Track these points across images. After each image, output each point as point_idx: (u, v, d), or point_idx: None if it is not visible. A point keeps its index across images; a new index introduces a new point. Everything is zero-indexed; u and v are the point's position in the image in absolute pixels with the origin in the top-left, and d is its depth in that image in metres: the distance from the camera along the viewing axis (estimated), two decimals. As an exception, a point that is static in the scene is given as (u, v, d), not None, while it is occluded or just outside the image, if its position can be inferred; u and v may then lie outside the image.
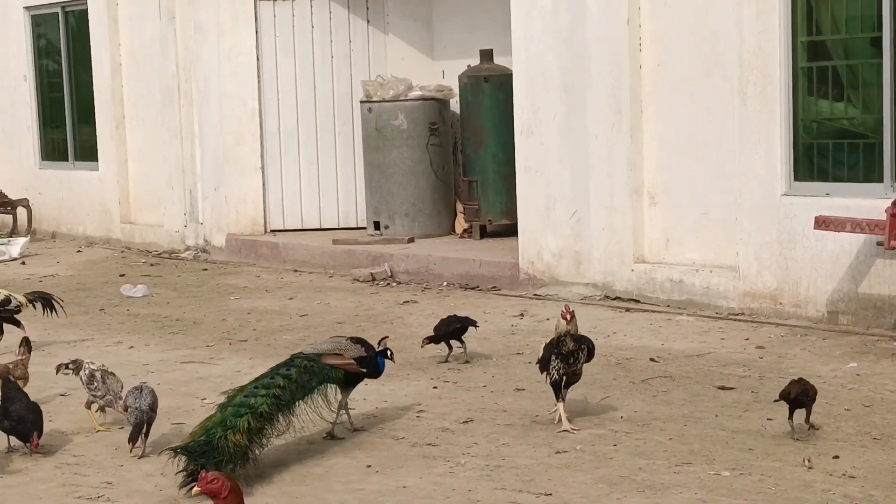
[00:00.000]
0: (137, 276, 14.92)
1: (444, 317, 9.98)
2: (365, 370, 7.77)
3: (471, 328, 9.82)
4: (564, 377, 7.59)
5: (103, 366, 8.16)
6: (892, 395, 8.24)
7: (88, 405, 8.09)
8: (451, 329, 9.69)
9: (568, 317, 7.57)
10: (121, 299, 13.42)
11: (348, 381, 7.73)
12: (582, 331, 7.73)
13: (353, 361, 7.67)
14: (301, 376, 7.36)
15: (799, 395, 7.37)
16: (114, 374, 8.11)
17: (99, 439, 7.89)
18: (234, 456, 6.78)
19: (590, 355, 7.68)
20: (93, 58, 18.48)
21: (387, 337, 8.22)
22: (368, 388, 8.85)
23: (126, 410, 7.49)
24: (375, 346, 7.94)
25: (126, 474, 7.15)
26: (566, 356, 7.55)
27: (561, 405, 7.64)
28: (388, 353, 7.98)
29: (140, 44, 17.67)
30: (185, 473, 6.69)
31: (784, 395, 7.45)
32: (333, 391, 7.65)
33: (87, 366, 8.06)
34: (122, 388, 7.97)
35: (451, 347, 9.69)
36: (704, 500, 6.36)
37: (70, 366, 8.15)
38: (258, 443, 6.99)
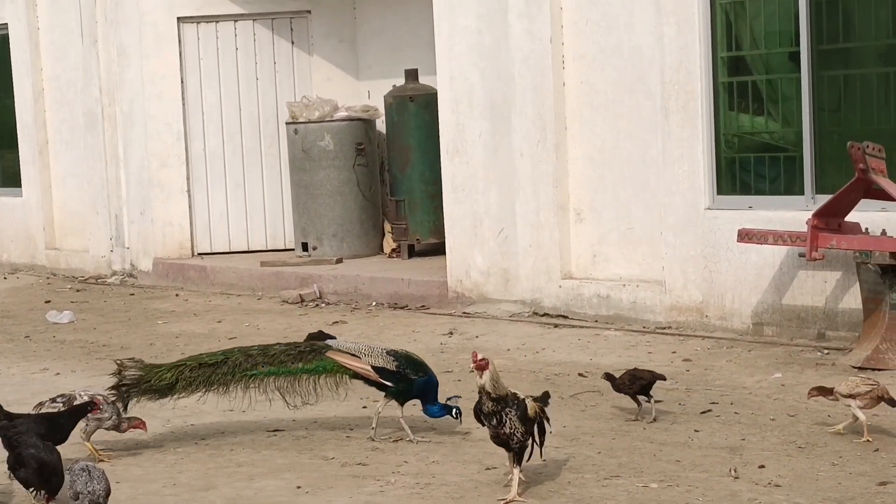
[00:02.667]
0: (63, 302, 14.79)
1: (631, 370, 8.42)
2: (387, 382, 7.76)
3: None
4: (498, 440, 6.72)
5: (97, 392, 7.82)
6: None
7: (88, 437, 7.72)
8: (639, 385, 8.21)
9: (472, 367, 6.68)
10: (46, 326, 13.29)
11: (377, 387, 7.90)
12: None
13: (364, 367, 7.66)
14: (281, 355, 7.83)
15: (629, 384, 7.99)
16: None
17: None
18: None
19: (525, 420, 6.62)
20: (14, 83, 18.30)
21: (459, 397, 7.80)
22: (297, 409, 8.83)
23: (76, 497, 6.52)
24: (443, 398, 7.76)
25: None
26: (487, 417, 6.69)
27: (515, 470, 6.68)
28: (454, 411, 7.66)
29: (62, 68, 17.53)
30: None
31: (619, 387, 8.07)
32: (329, 384, 7.89)
33: (81, 395, 7.71)
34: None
35: (639, 403, 8.25)
36: (633, 512, 6.41)
37: (58, 399, 7.76)
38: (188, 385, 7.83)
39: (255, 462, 7.62)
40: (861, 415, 7.44)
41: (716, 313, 10.77)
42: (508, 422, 6.61)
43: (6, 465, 6.81)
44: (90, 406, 7.53)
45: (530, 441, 6.68)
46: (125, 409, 7.84)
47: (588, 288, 11.75)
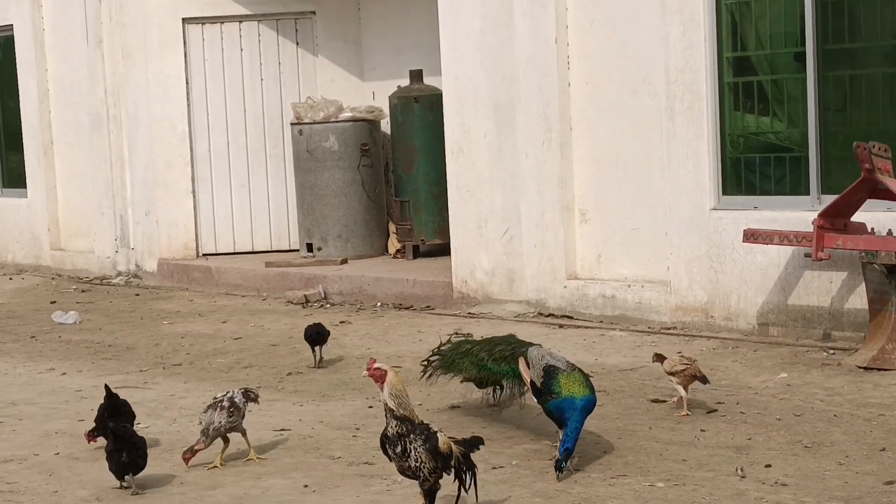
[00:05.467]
0: (69, 303, 14.80)
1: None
2: (537, 399, 7.24)
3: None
4: (405, 474, 6.08)
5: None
6: (822, 404, 8.35)
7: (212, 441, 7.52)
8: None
9: (365, 374, 6.02)
10: (52, 326, 13.31)
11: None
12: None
13: (527, 379, 7.29)
14: (496, 351, 7.84)
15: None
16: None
17: (33, 466, 7.82)
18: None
19: (436, 454, 5.90)
20: (20, 84, 18.33)
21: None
22: (304, 408, 8.88)
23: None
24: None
25: (61, 500, 7.10)
26: (392, 443, 5.98)
27: None
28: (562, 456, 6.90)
29: (67, 69, 17.55)
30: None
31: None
32: (515, 387, 7.79)
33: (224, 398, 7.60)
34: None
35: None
36: (640, 511, 6.42)
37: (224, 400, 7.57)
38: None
39: (262, 461, 7.63)
40: (682, 391, 8.07)
41: (721, 313, 10.77)
42: (413, 451, 5.90)
43: None
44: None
45: (442, 480, 6.03)
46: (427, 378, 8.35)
47: (593, 288, 11.75)
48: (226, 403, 7.52)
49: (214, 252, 16.30)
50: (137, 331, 12.79)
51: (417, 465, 5.92)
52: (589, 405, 7.03)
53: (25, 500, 7.12)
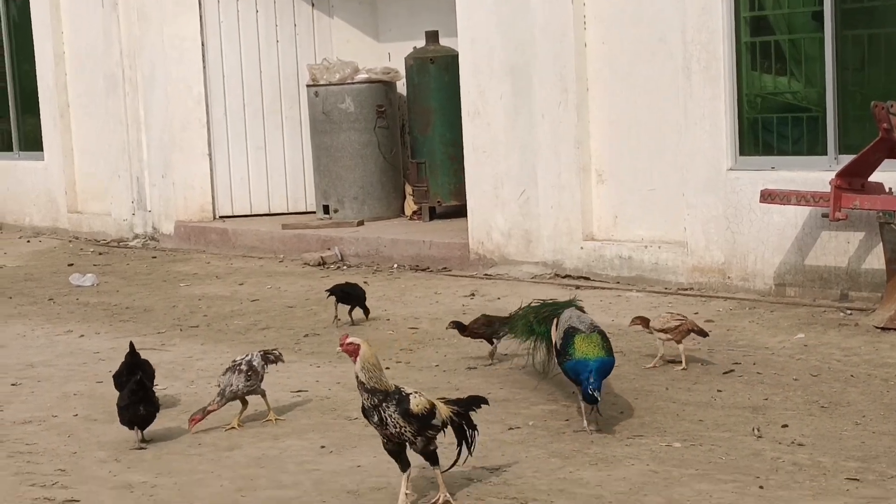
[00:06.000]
0: (86, 266, 14.84)
1: (484, 315, 9.14)
2: (556, 357, 7.24)
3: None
4: (392, 444, 6.01)
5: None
6: (839, 364, 8.34)
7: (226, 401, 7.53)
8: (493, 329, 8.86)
9: (339, 350, 6.05)
10: (70, 289, 13.35)
11: None
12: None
13: (554, 339, 7.26)
14: (543, 316, 7.85)
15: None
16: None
17: (52, 427, 7.86)
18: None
19: (409, 417, 5.83)
20: (35, 48, 18.33)
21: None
22: (321, 370, 8.90)
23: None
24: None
25: (79, 461, 7.13)
26: (368, 414, 5.98)
27: (436, 472, 6.06)
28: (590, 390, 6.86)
29: (83, 32, 17.53)
30: None
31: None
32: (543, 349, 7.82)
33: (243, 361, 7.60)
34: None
35: (493, 343, 8.87)
36: (656, 471, 6.42)
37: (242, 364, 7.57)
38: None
39: (280, 422, 7.65)
40: (662, 349, 8.34)
41: (738, 274, 10.76)
42: (389, 419, 5.85)
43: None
44: None
45: (436, 439, 5.99)
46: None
47: (610, 249, 11.74)
48: (244, 367, 7.54)
49: (231, 214, 16.32)
50: (155, 293, 12.82)
51: (398, 430, 5.91)
52: (603, 367, 6.96)
53: (44, 461, 7.16)
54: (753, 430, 6.98)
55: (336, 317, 10.48)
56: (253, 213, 16.34)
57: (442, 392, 8.12)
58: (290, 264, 14.10)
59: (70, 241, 17.31)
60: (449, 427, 6.05)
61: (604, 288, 11.47)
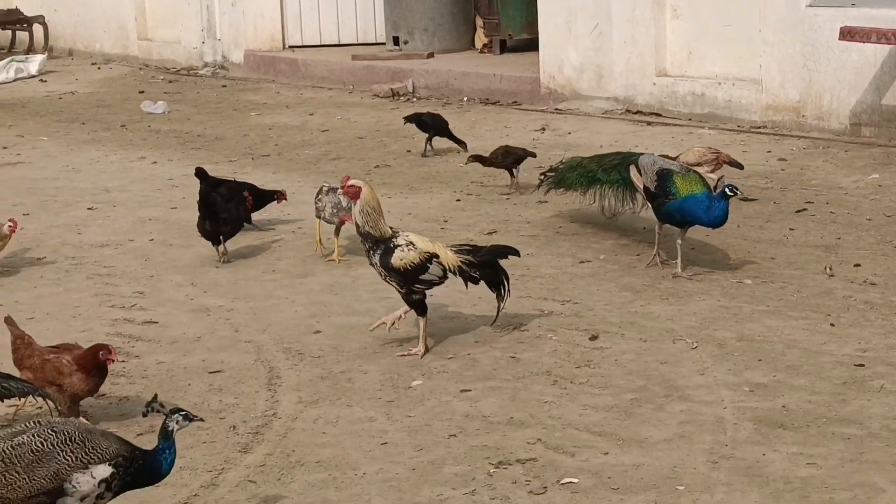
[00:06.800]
0: (156, 93, 14.89)
1: (503, 146, 9.35)
2: (650, 204, 7.16)
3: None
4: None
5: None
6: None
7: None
8: (512, 159, 9.11)
9: (340, 192, 6.21)
10: (141, 115, 13.42)
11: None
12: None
13: (639, 185, 7.19)
14: (605, 162, 7.72)
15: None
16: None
17: (129, 251, 8.00)
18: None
19: (389, 269, 5.85)
20: None
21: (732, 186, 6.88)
22: (392, 200, 8.94)
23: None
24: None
25: (156, 284, 7.27)
26: (368, 258, 6.03)
27: (420, 322, 6.04)
28: (728, 189, 6.72)
29: None
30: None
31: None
32: (627, 195, 7.57)
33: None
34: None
35: (513, 175, 9.12)
36: (727, 306, 6.46)
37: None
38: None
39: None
40: (713, 176, 7.86)
41: (813, 113, 10.62)
42: (374, 267, 5.91)
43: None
44: (277, 195, 8.02)
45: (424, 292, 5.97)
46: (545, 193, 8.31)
47: (683, 85, 11.62)
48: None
49: (300, 44, 16.25)
50: (225, 121, 12.87)
51: (383, 278, 5.94)
52: (710, 201, 6.82)
53: (123, 284, 7.30)
54: (825, 268, 6.97)
55: (427, 146, 10.42)
56: (322, 44, 16.25)
57: (512, 224, 8.18)
58: (359, 95, 14.08)
59: (140, 69, 17.35)
60: (458, 275, 5.97)
61: (675, 125, 11.38)
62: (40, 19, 18.93)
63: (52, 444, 3.91)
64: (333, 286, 7.11)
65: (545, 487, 4.55)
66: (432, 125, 10.44)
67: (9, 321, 5.20)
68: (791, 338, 5.97)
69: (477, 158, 9.08)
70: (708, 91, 11.41)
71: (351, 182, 5.98)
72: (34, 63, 17.01)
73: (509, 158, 9.08)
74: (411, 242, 5.92)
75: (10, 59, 17.15)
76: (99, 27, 18.73)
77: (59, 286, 7.28)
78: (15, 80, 16.46)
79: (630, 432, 4.99)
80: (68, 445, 3.92)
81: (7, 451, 3.90)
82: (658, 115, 11.71)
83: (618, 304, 6.55)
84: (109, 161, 11.00)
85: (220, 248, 7.59)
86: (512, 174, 9.10)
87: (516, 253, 6.15)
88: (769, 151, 10.08)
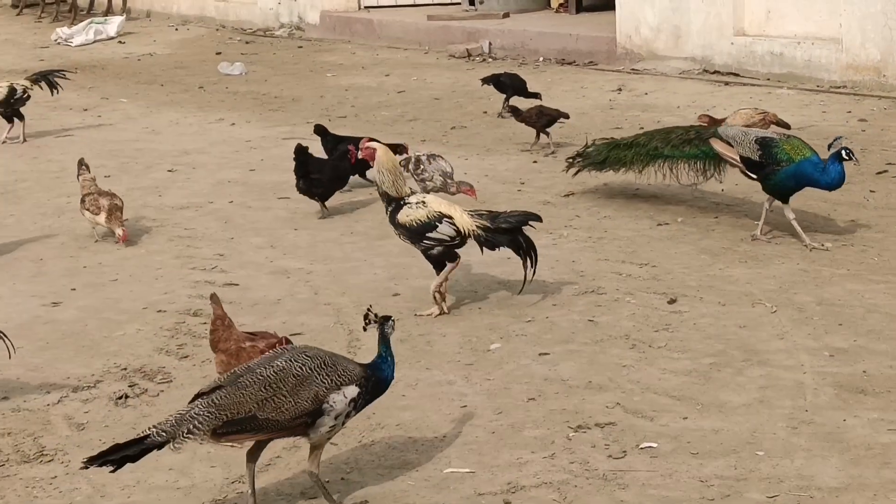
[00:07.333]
0: (234, 54, 14.98)
1: (538, 106, 9.51)
2: (750, 174, 6.94)
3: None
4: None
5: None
6: None
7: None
8: (545, 120, 9.25)
9: (360, 154, 6.22)
10: (219, 77, 13.52)
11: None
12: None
13: (734, 156, 7.01)
14: (673, 138, 7.50)
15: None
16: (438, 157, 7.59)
17: (209, 213, 8.08)
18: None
19: (398, 226, 6.04)
20: None
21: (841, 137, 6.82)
22: (469, 162, 8.96)
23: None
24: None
25: (237, 246, 7.35)
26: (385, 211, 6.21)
27: (434, 282, 6.17)
28: (843, 152, 6.60)
29: None
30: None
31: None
32: (709, 167, 7.33)
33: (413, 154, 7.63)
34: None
35: (547, 135, 9.27)
36: (806, 270, 6.42)
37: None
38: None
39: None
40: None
41: (894, 72, 10.48)
42: (389, 222, 6.11)
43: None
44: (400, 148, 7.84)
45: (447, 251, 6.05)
46: (573, 175, 7.99)
47: (761, 45, 11.51)
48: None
49: (376, 5, 16.27)
50: (302, 83, 12.93)
51: (396, 233, 6.10)
52: (820, 161, 6.73)
53: (203, 246, 7.39)
54: (907, 231, 6.91)
55: (505, 107, 10.38)
56: (398, 4, 16.26)
57: (589, 185, 8.14)
58: (434, 56, 14.08)
59: (217, 30, 17.45)
60: (472, 239, 6.00)
61: (754, 85, 11.28)
62: (118, -20, 19.09)
63: (311, 369, 4.19)
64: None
65: (624, 452, 4.57)
66: (510, 85, 10.41)
67: (214, 299, 5.09)
68: (872, 302, 5.92)
69: (513, 110, 9.28)
70: (787, 51, 11.29)
71: (368, 143, 6.14)
72: (113, 25, 17.19)
73: (543, 119, 9.19)
74: (422, 201, 6.07)
75: (89, 20, 17.33)
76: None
77: (142, 248, 7.38)
78: (94, 41, 16.64)
79: (709, 397, 4.99)
80: (324, 369, 4.20)
81: (271, 377, 4.13)
82: (736, 74, 11.61)
83: (696, 268, 6.54)
84: (188, 123, 11.10)
85: (319, 205, 7.80)
86: (546, 134, 9.21)
87: (538, 218, 6.19)
88: (849, 112, 9.97)
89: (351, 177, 8.12)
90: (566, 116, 9.29)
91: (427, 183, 7.35)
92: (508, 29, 14.01)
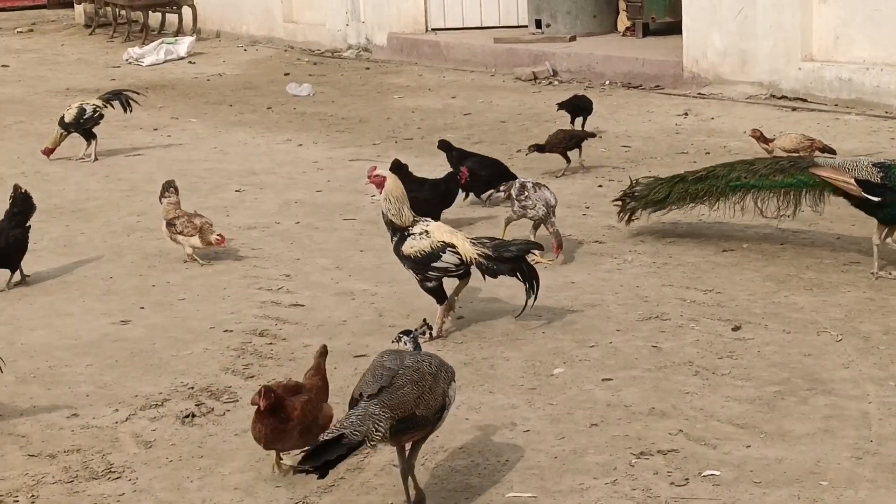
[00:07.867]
0: (301, 75, 15.11)
1: (559, 130, 9.55)
2: (870, 196, 6.68)
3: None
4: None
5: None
6: None
7: (507, 223, 7.49)
8: (570, 143, 9.25)
9: (367, 181, 6.32)
10: (287, 98, 13.64)
11: (863, 207, 6.81)
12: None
13: (847, 180, 6.77)
14: (763, 169, 7.27)
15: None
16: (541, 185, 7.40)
17: (276, 233, 8.16)
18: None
19: (402, 257, 6.13)
20: None
21: None
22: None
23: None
24: None
25: (303, 267, 7.41)
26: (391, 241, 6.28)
27: (439, 309, 6.26)
28: None
29: None
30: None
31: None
32: (810, 199, 7.07)
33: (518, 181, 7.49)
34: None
35: (569, 160, 9.29)
36: (873, 298, 6.39)
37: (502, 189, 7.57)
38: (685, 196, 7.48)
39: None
40: None
41: (964, 100, 10.42)
42: (394, 251, 6.16)
43: None
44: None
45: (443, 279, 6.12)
46: (627, 222, 7.69)
47: (829, 71, 11.46)
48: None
49: (443, 27, 16.35)
50: (369, 104, 13.02)
51: (401, 262, 6.16)
52: None
53: (270, 266, 7.46)
54: (975, 259, 6.85)
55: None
56: (465, 27, 16.33)
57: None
58: (501, 78, 14.13)
59: (285, 51, 17.61)
60: (475, 267, 6.06)
61: (821, 110, 11.23)
62: (189, 2, 19.33)
63: (435, 367, 4.44)
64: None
65: (686, 479, 4.58)
66: (584, 108, 10.38)
67: (322, 353, 4.92)
68: (939, 332, 5.89)
69: (536, 147, 9.18)
70: (855, 76, 11.24)
71: (377, 172, 6.19)
72: (183, 45, 17.40)
73: (572, 142, 9.22)
74: (426, 231, 6.11)
75: (160, 41, 17.56)
76: (246, 9, 19.04)
77: (209, 267, 7.47)
78: (165, 61, 16.86)
79: (773, 425, 4.98)
80: (441, 367, 4.47)
81: (415, 377, 4.34)
82: (803, 100, 11.57)
83: (761, 295, 6.52)
84: (256, 143, 11.21)
85: None
86: (571, 159, 9.26)
87: (539, 247, 6.35)
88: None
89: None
90: (592, 135, 9.40)
91: (529, 211, 7.26)
92: (574, 52, 14.03)
